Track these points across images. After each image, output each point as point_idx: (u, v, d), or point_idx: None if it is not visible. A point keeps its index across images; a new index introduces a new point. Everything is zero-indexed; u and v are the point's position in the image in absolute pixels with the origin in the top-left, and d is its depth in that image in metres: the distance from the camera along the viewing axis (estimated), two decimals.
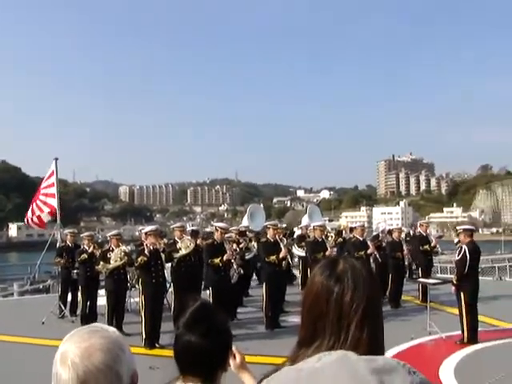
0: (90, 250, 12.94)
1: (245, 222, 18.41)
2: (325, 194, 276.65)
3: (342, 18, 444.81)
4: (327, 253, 13.40)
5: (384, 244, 15.61)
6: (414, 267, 18.53)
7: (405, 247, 15.38)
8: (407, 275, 17.76)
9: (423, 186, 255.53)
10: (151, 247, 10.85)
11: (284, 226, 22.36)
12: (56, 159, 15.68)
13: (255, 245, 16.15)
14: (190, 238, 12.96)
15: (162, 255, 11.41)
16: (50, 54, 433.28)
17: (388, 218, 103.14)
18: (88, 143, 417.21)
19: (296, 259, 17.82)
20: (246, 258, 15.66)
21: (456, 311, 10.97)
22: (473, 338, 10.28)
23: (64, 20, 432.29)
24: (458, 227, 11.81)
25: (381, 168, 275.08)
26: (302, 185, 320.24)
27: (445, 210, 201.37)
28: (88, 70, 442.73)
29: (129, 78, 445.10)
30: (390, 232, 16.36)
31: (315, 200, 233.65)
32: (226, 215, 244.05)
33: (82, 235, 14.37)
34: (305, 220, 19.79)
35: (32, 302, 17.08)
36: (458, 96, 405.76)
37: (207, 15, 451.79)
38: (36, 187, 16.75)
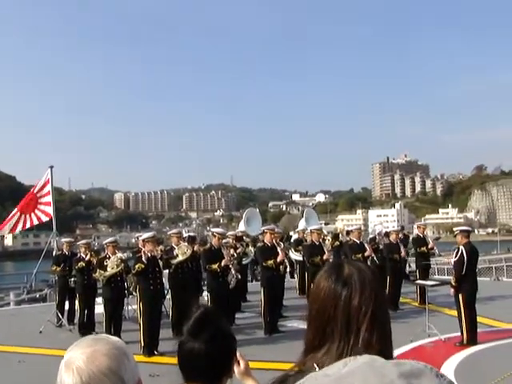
0: (87, 258, 12.91)
1: (241, 226, 18.38)
2: (320, 198, 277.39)
3: (342, 20, 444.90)
4: (325, 256, 13.38)
5: (381, 246, 15.59)
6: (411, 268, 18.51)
7: (402, 249, 15.36)
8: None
9: (418, 188, 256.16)
10: (149, 254, 10.81)
11: (280, 230, 22.32)
12: (51, 167, 15.66)
13: (252, 250, 16.14)
14: (186, 244, 12.95)
15: (160, 262, 11.38)
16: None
17: (384, 221, 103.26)
18: (83, 151, 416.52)
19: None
20: (244, 262, 15.65)
21: (455, 313, 10.96)
22: (472, 340, 10.26)
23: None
24: (454, 229, 11.80)
25: (376, 170, 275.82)
26: (298, 189, 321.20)
27: (440, 211, 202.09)
28: (82, 75, 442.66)
29: (125, 85, 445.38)
30: (387, 234, 16.36)
31: (311, 204, 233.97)
32: (221, 220, 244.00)
33: (78, 243, 14.33)
34: (302, 224, 19.80)
35: (29, 311, 17.00)
36: (450, 97, 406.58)
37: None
38: None
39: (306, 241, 16.08)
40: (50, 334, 12.45)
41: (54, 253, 14.81)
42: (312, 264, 13.48)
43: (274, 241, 12.61)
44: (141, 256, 10.88)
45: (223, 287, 12.07)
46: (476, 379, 8.21)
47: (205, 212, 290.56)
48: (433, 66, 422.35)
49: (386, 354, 1.42)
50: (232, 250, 13.99)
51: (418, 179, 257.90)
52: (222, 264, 11.92)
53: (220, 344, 1.99)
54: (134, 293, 12.58)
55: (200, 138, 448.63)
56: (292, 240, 20.11)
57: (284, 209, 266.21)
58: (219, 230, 14.02)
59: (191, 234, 15.69)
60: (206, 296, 12.61)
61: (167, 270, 12.46)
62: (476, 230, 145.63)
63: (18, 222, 15.67)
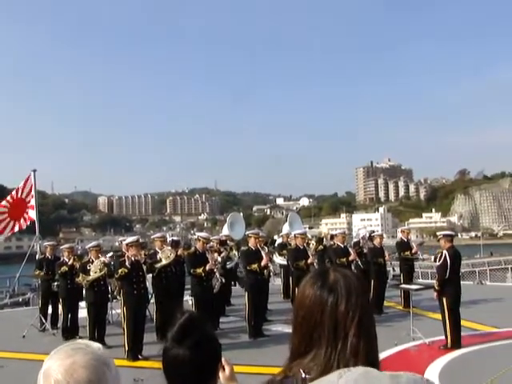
0: (70, 262, 12.83)
1: (225, 230, 18.35)
2: (304, 202, 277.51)
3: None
4: (309, 261, 13.39)
5: (365, 250, 15.63)
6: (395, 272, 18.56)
7: (386, 253, 15.42)
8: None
9: (402, 192, 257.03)
10: (133, 258, 10.75)
11: (264, 235, 22.30)
12: (34, 171, 15.55)
13: (236, 253, 16.13)
14: (170, 248, 12.90)
15: (144, 266, 11.32)
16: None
17: (368, 225, 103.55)
18: (66, 154, 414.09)
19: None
20: (228, 266, 15.61)
21: (439, 316, 11.01)
22: (456, 343, 10.31)
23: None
24: (438, 233, 11.85)
25: (359, 174, 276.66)
26: (282, 193, 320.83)
27: (424, 215, 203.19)
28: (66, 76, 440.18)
29: (106, 91, 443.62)
30: (371, 238, 16.39)
31: (295, 208, 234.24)
32: (205, 224, 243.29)
33: (61, 247, 14.23)
34: (285, 228, 19.80)
35: (12, 316, 16.87)
36: (432, 102, 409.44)
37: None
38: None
39: (290, 245, 16.06)
40: (34, 339, 12.35)
41: (37, 256, 14.68)
42: (296, 268, 13.49)
43: (258, 245, 12.61)
44: (124, 260, 10.81)
45: (207, 291, 12.04)
46: (460, 382, 8.25)
47: (189, 216, 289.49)
48: (414, 70, 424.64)
49: (373, 358, 1.42)
50: (216, 254, 13.95)
51: (401, 183, 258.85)
52: (207, 268, 11.90)
53: (205, 350, 1.97)
54: (118, 297, 12.52)
55: (184, 142, 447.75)
56: (276, 244, 20.08)
57: (268, 213, 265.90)
58: (204, 234, 13.97)
59: (175, 238, 15.64)
60: (189, 300, 12.55)
61: (151, 275, 12.41)
62: (459, 234, 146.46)
63: (6, 225, 15.53)
